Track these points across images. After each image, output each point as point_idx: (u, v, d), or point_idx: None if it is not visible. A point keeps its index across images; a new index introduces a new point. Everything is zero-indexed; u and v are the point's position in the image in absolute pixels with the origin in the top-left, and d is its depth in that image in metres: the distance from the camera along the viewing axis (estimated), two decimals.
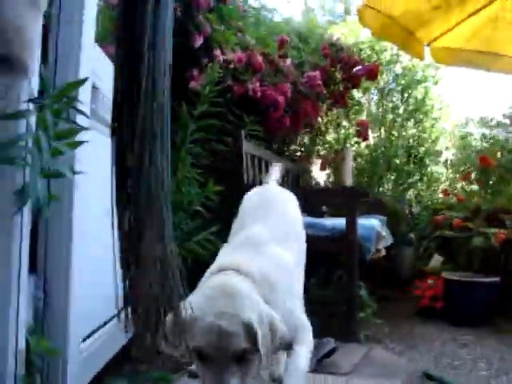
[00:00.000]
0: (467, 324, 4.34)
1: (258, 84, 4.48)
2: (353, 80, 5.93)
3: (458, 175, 7.88)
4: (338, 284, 3.93)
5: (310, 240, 3.77)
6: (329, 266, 4.14)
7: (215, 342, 1.63)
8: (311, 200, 4.45)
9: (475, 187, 5.80)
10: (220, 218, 3.63)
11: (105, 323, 2.39)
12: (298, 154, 6.54)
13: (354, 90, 6.61)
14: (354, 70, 5.84)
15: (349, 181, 6.49)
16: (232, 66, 4.24)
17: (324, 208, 5.29)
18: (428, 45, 5.32)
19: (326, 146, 7.57)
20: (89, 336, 2.09)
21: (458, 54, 5.60)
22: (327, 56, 5.65)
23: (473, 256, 4.79)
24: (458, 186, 7.41)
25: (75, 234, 1.87)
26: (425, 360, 3.28)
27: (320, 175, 7.36)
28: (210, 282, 1.87)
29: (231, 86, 4.23)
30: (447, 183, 8.36)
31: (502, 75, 6.01)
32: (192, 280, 3.48)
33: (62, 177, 1.52)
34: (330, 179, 7.46)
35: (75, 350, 1.86)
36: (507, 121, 6.30)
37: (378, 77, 6.29)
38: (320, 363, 2.92)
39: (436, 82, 8.24)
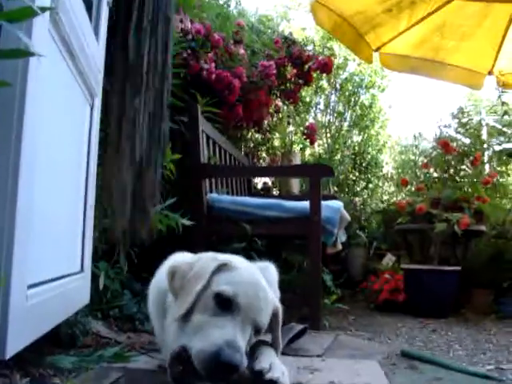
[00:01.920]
0: (431, 315, 4.19)
1: (213, 65, 4.27)
2: (305, 76, 5.80)
3: (397, 188, 7.94)
4: (300, 269, 3.68)
5: (271, 221, 3.60)
6: (290, 249, 3.91)
7: (253, 292, 1.67)
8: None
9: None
10: (176, 192, 3.37)
11: (62, 277, 2.06)
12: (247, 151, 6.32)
13: (306, 87, 6.45)
14: (307, 65, 5.71)
15: (296, 186, 6.34)
16: (190, 37, 3.99)
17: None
18: (377, 50, 5.32)
19: (271, 151, 7.39)
20: (39, 284, 1.75)
21: (406, 61, 5.64)
22: (280, 50, 5.50)
23: (432, 248, 4.69)
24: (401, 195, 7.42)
25: (25, 159, 1.51)
26: (397, 344, 3.07)
27: (266, 179, 7.18)
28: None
29: (187, 59, 3.98)
30: (388, 196, 8.41)
31: (447, 84, 6.10)
32: (147, 255, 3.20)
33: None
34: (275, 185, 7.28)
35: (18, 291, 1.53)
36: (455, 121, 6.30)
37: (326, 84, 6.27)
38: (289, 346, 2.65)
39: (383, 90, 8.29)
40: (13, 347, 1.47)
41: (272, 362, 1.66)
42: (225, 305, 1.62)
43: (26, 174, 1.49)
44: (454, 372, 2.32)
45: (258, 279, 1.76)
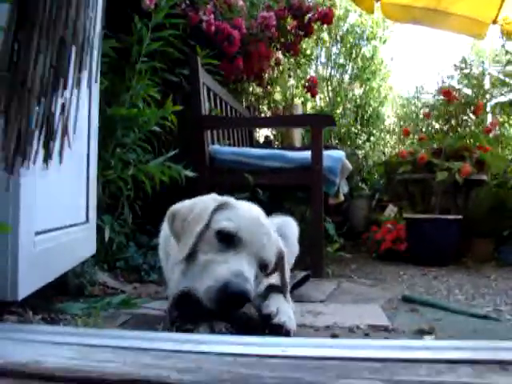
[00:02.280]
0: (433, 263, 4.24)
1: (212, 17, 4.23)
2: (305, 28, 5.73)
3: (399, 140, 7.92)
4: (302, 219, 3.70)
5: (273, 172, 3.62)
6: (293, 200, 3.93)
7: (254, 228, 1.69)
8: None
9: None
10: (178, 144, 3.38)
11: (68, 226, 2.10)
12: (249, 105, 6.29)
13: (306, 39, 6.37)
14: (307, 16, 5.63)
15: (298, 139, 6.33)
16: None
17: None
18: (378, 0, 5.24)
19: (273, 104, 7.35)
20: (46, 232, 1.79)
21: (408, 11, 5.53)
22: (280, 1, 5.41)
23: (434, 197, 4.71)
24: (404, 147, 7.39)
25: None
26: (398, 290, 3.11)
27: (268, 132, 7.18)
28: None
29: (186, 11, 3.94)
30: (390, 149, 8.39)
31: (450, 35, 6.01)
32: (151, 207, 3.24)
33: None
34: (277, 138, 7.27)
35: (27, 237, 1.56)
36: (457, 72, 6.25)
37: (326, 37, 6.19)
38: (292, 293, 2.69)
39: (384, 41, 8.17)
40: (24, 290, 1.52)
41: (279, 306, 1.68)
42: (228, 240, 1.65)
43: None
44: (453, 314, 2.38)
45: (258, 216, 1.78)
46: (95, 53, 2.43)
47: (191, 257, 1.69)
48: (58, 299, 2.28)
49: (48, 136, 1.22)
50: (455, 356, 1.00)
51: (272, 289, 1.90)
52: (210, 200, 1.81)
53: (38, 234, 1.69)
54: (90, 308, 2.12)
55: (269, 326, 1.58)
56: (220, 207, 1.76)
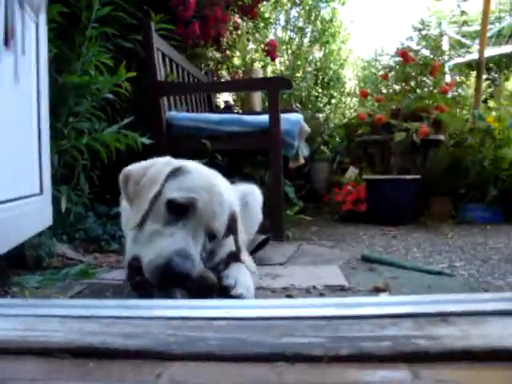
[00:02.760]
0: (392, 223, 4.31)
1: None
2: None
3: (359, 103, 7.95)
4: (261, 182, 3.71)
5: (232, 137, 3.60)
6: (252, 165, 3.93)
7: (206, 197, 1.66)
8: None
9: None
10: (134, 112, 3.33)
11: (19, 198, 2.06)
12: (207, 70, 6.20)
13: (264, 2, 6.28)
14: None
15: (258, 104, 6.29)
16: None
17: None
18: None
19: (232, 69, 7.27)
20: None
21: None
22: None
23: (392, 158, 4.77)
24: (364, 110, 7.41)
25: None
26: (358, 250, 3.16)
27: (227, 97, 7.11)
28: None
29: None
30: (351, 112, 8.42)
31: None
32: (109, 176, 3.20)
33: None
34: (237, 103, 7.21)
35: None
36: (416, 34, 6.26)
37: None
38: (252, 256, 2.71)
39: (343, 3, 8.12)
40: None
41: (238, 277, 1.69)
42: (177, 212, 1.63)
43: None
44: (409, 271, 2.43)
45: (212, 183, 1.76)
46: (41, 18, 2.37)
47: (142, 222, 1.68)
48: (14, 272, 2.25)
49: None
50: (398, 311, 1.02)
51: (234, 257, 1.90)
52: (165, 164, 1.78)
53: None
54: (47, 280, 2.10)
55: (228, 297, 1.59)
56: (174, 173, 1.73)
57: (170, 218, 1.63)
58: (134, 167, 1.87)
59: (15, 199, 2.04)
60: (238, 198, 2.07)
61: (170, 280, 1.50)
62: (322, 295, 1.84)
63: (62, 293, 1.86)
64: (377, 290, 1.93)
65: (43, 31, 2.38)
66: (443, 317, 0.99)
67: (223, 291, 1.63)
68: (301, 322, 0.99)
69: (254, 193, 2.56)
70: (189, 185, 1.69)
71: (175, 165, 1.76)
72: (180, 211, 1.63)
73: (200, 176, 1.76)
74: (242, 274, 1.76)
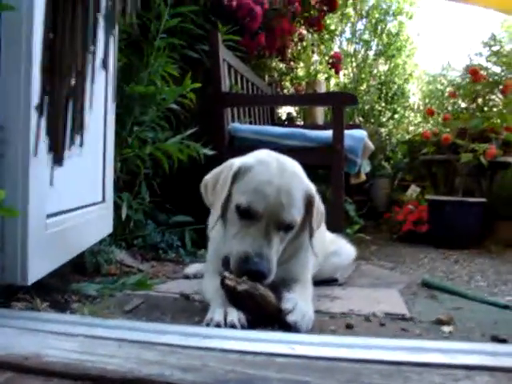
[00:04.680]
0: (454, 246, 4.16)
1: None
2: (329, 2, 5.61)
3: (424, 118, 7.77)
4: (323, 199, 3.64)
5: (294, 151, 3.55)
6: (313, 180, 3.87)
7: (272, 191, 1.67)
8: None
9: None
10: (198, 122, 3.34)
11: (83, 207, 2.09)
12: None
13: (331, 14, 6.24)
14: None
15: (321, 117, 6.23)
16: None
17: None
18: None
19: (295, 80, 7.24)
20: (58, 214, 1.77)
21: None
22: None
23: (457, 179, 4.61)
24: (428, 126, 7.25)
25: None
26: (418, 274, 3.06)
27: (290, 109, 7.08)
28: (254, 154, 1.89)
29: None
30: (414, 127, 8.25)
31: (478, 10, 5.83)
32: (170, 186, 3.21)
33: None
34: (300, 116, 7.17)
35: (37, 220, 1.54)
36: (486, 49, 6.05)
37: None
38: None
39: (410, 17, 7.97)
40: (34, 274, 1.49)
41: (297, 303, 1.64)
42: (246, 215, 1.68)
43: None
44: (473, 302, 2.32)
45: (276, 173, 1.73)
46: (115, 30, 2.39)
47: (225, 223, 1.81)
48: (74, 278, 2.28)
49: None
50: (471, 361, 0.95)
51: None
52: (229, 167, 1.81)
53: (49, 216, 1.66)
54: (106, 288, 2.11)
55: (281, 322, 1.56)
56: (238, 174, 1.76)
57: (243, 221, 1.69)
58: (209, 175, 1.93)
59: (79, 208, 2.06)
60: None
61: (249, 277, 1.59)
62: (382, 325, 1.77)
63: (120, 306, 1.85)
64: (440, 323, 1.84)
65: (114, 41, 2.40)
66: None
67: (278, 314, 1.59)
68: (367, 365, 0.94)
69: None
70: (252, 185, 1.71)
71: (236, 165, 1.78)
72: (248, 213, 1.67)
73: (263, 169, 1.75)
74: (303, 299, 1.71)
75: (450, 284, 2.76)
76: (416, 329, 1.74)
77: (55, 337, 1.06)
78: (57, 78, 1.15)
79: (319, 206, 1.91)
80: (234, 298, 1.58)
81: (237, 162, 1.81)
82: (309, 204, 1.80)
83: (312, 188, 1.85)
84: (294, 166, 1.85)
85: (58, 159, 1.19)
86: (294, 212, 1.71)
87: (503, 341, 1.57)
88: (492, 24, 11.78)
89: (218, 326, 1.44)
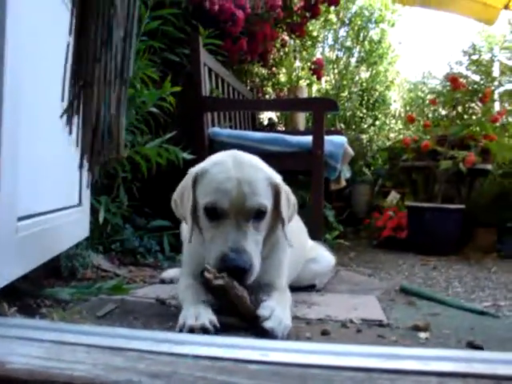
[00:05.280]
0: (433, 253, 4.18)
1: None
2: (312, 9, 5.62)
3: (405, 125, 7.82)
4: (303, 205, 3.64)
5: (274, 156, 3.54)
6: (293, 185, 3.86)
7: (232, 186, 1.67)
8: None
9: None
10: (177, 126, 3.31)
11: (57, 210, 2.05)
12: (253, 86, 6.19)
13: (313, 20, 6.26)
14: None
15: (302, 122, 6.23)
16: None
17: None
18: None
19: (277, 86, 7.24)
20: (30, 217, 1.73)
21: None
22: None
23: (437, 186, 4.64)
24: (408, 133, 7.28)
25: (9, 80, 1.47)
26: (397, 280, 3.06)
27: (271, 114, 7.09)
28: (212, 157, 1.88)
29: None
30: (395, 134, 8.30)
31: (458, 19, 5.90)
32: (149, 190, 3.17)
33: None
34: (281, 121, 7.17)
35: (8, 224, 1.51)
36: (466, 58, 6.12)
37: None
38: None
39: (392, 24, 8.03)
40: (4, 277, 1.46)
41: (274, 309, 1.62)
42: (214, 215, 1.69)
43: (10, 98, 1.45)
44: (450, 308, 2.32)
45: (229, 172, 1.72)
46: None
47: (200, 230, 1.79)
48: (49, 282, 2.24)
49: None
50: (445, 368, 0.94)
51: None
52: (188, 177, 1.82)
53: (21, 219, 1.63)
54: (80, 293, 2.07)
55: (257, 329, 1.54)
56: (196, 181, 1.77)
57: (213, 223, 1.70)
58: (176, 191, 1.91)
59: (54, 211, 2.03)
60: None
61: (231, 275, 1.58)
62: (359, 331, 1.76)
63: (93, 311, 1.81)
64: (417, 329, 1.84)
65: None
66: (499, 380, 0.89)
67: (256, 320, 1.57)
68: (339, 372, 0.92)
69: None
70: (212, 185, 1.71)
71: (194, 171, 1.79)
72: (217, 212, 1.68)
73: (220, 168, 1.74)
74: (282, 306, 1.70)
75: (429, 290, 2.77)
76: (392, 335, 1.73)
77: (21, 343, 1.02)
78: None
79: (289, 195, 1.90)
80: (210, 291, 1.60)
81: (194, 169, 1.82)
82: (276, 194, 1.79)
83: (277, 177, 1.84)
84: (251, 160, 1.84)
85: None
86: (258, 198, 1.70)
87: (478, 347, 1.57)
88: (471, 33, 11.91)
89: (191, 331, 1.42)
